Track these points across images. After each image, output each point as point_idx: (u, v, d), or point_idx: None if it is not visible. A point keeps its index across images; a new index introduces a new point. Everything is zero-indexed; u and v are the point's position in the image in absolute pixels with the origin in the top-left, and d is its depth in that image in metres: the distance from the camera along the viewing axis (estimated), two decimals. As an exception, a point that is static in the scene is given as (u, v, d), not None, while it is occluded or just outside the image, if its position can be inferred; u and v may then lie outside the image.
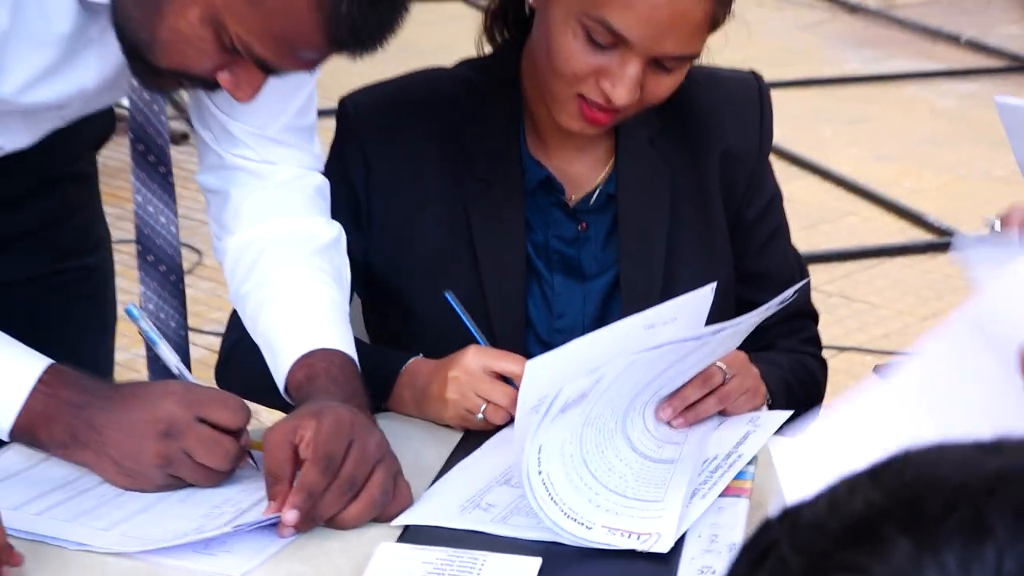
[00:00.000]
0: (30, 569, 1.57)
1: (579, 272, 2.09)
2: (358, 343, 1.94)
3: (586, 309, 2.08)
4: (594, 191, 2.09)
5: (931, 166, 5.38)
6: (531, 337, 2.06)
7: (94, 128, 2.01)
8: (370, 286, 2.12)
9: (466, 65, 2.15)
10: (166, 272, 2.09)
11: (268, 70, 1.64)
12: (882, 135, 5.75)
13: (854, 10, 7.52)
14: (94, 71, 1.73)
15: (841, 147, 5.58)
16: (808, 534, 0.69)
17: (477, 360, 1.88)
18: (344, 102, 2.10)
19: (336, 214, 2.03)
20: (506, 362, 1.87)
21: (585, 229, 2.09)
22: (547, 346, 1.73)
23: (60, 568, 1.57)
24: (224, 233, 2.01)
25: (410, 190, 2.07)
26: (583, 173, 2.10)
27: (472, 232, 2.05)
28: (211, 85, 1.67)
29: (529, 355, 1.68)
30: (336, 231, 2.00)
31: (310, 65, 1.69)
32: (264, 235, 1.97)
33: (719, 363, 1.88)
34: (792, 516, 0.72)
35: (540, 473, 1.68)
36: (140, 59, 1.65)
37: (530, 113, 2.08)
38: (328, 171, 2.08)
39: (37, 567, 1.59)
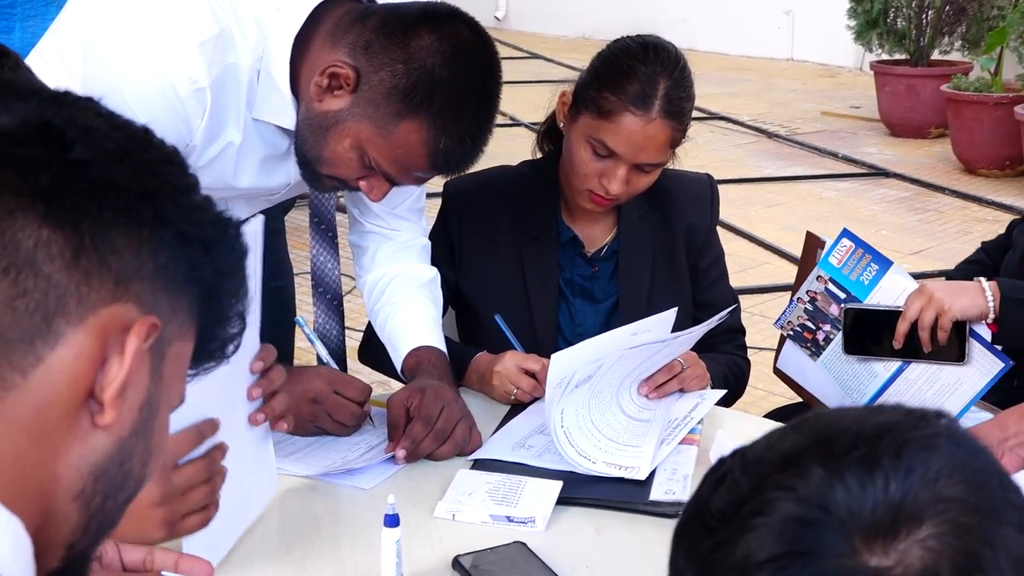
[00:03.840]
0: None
1: (592, 298, 2.01)
2: (448, 342, 1.87)
3: (596, 321, 1.99)
4: (604, 247, 2.01)
5: (818, 234, 5.28)
6: (560, 339, 1.97)
7: (283, 203, 1.96)
8: (458, 304, 2.04)
9: (525, 164, 2.07)
10: (331, 298, 2.04)
11: (392, 182, 1.57)
12: (787, 215, 5.64)
13: (771, 136, 7.43)
14: (293, 171, 1.66)
15: (762, 222, 5.48)
16: (753, 464, 0.66)
17: (512, 361, 1.82)
18: (447, 185, 2.02)
19: (437, 258, 1.95)
20: (530, 363, 1.81)
21: (597, 271, 2.01)
22: (570, 344, 1.67)
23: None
24: (363, 272, 1.94)
25: (487, 243, 2.00)
26: (596, 235, 2.02)
27: (524, 271, 1.98)
28: (353, 188, 1.60)
29: (557, 351, 1.60)
30: (434, 273, 1.93)
31: (419, 182, 1.64)
32: (389, 274, 1.90)
33: (679, 358, 1.80)
34: (741, 453, 0.68)
35: (562, 427, 1.62)
36: (309, 167, 1.58)
37: (563, 196, 2.00)
38: (434, 229, 2.01)
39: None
